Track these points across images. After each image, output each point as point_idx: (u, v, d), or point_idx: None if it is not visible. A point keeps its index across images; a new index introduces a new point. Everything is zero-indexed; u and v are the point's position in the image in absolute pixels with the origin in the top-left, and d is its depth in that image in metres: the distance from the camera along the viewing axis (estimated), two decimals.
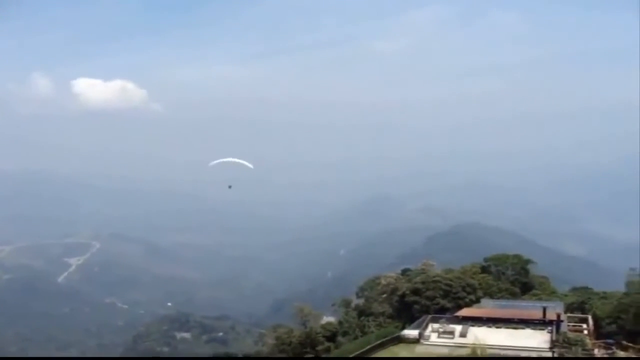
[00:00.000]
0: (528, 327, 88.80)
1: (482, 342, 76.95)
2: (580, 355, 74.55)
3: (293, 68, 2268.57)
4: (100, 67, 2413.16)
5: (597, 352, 78.04)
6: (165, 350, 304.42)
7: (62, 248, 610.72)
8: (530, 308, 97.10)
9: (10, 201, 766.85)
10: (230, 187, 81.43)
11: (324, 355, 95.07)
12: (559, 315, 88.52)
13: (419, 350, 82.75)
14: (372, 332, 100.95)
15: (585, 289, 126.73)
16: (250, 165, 79.91)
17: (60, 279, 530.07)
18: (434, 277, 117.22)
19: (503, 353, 74.38)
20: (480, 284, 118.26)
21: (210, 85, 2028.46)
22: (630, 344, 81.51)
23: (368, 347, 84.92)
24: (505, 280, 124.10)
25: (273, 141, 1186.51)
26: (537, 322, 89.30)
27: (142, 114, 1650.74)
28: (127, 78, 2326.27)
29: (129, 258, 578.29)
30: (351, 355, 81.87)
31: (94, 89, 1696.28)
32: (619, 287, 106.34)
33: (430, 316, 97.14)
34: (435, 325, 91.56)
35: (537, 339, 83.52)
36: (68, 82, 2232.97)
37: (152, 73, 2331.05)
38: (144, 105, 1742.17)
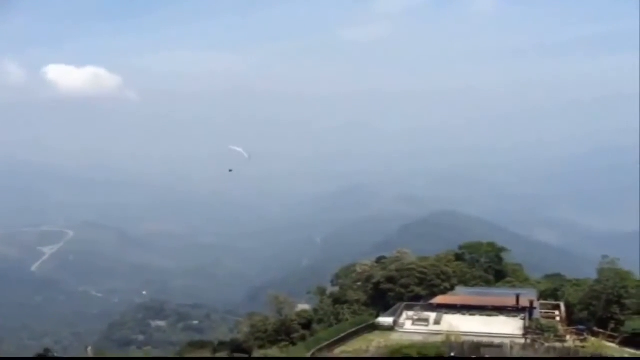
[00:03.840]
0: (502, 314, 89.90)
1: (456, 329, 77.73)
2: (552, 341, 75.43)
3: (272, 57, 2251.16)
4: (73, 52, 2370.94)
5: (568, 338, 78.96)
6: (140, 339, 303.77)
7: (35, 236, 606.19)
8: (503, 295, 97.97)
9: None
10: (230, 170, 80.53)
11: (299, 343, 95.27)
12: (532, 302, 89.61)
13: (394, 337, 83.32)
14: (347, 319, 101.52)
15: (558, 276, 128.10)
16: (246, 155, 79.98)
17: (34, 267, 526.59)
18: (408, 265, 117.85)
19: (477, 340, 75.02)
20: (454, 271, 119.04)
21: (185, 73, 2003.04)
22: (601, 330, 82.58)
23: (343, 334, 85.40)
24: (479, 268, 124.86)
25: (246, 132, 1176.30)
26: (510, 309, 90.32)
27: (116, 101, 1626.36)
28: (100, 64, 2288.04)
29: (103, 247, 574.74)
30: (326, 343, 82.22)
31: (66, 76, 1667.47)
32: (591, 275, 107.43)
33: (404, 304, 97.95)
34: (410, 313, 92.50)
35: (510, 326, 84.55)
36: (39, 68, 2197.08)
37: (127, 59, 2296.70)
38: (118, 92, 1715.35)
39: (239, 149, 79.16)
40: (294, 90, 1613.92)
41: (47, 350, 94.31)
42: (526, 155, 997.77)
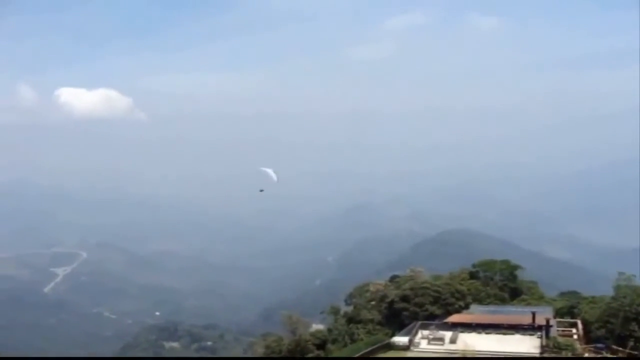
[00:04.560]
0: (517, 332, 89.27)
1: (472, 348, 77.26)
2: None
3: (280, 77, 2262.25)
4: (85, 74, 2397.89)
5: (587, 356, 78.40)
6: None
7: (48, 258, 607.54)
8: (519, 313, 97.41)
9: None
10: (262, 190, 79.00)
11: None
12: (548, 320, 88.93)
13: (409, 357, 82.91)
14: (362, 339, 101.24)
15: (574, 293, 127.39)
16: (275, 177, 78.82)
17: (47, 289, 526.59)
18: (422, 283, 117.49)
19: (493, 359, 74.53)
20: (469, 290, 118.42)
21: (193, 95, 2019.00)
22: (619, 348, 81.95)
23: (358, 354, 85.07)
24: (493, 285, 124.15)
25: (255, 153, 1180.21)
26: (526, 327, 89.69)
27: (127, 123, 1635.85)
28: (112, 86, 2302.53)
29: (115, 267, 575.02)
30: None
31: (77, 98, 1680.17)
32: (606, 292, 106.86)
33: (419, 323, 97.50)
34: (425, 332, 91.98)
35: (526, 344, 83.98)
36: (51, 90, 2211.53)
37: (137, 80, 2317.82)
38: (128, 114, 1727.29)
39: (269, 171, 77.95)
40: (301, 110, 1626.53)
41: None
42: (535, 172, 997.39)
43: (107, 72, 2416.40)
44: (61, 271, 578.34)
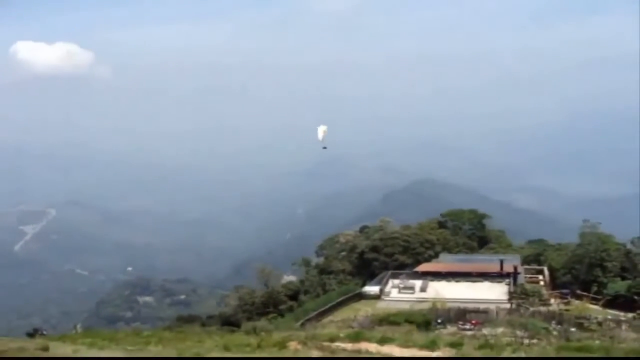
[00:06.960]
0: (486, 280, 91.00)
1: (442, 296, 78.61)
2: (537, 305, 76.53)
3: (243, 27, 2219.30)
4: (42, 28, 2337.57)
5: (553, 302, 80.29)
6: (128, 315, 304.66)
7: (16, 216, 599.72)
8: (487, 261, 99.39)
9: None
10: (325, 148, 76.21)
11: (287, 314, 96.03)
12: (515, 268, 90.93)
13: (380, 306, 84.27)
14: (334, 289, 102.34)
15: (541, 241, 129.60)
16: (320, 137, 76.52)
17: (17, 247, 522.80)
18: (392, 233, 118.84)
19: (463, 306, 75.98)
20: (438, 239, 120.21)
21: (155, 47, 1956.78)
22: (584, 293, 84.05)
23: (330, 304, 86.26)
24: (462, 235, 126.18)
25: (220, 107, 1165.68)
26: (494, 274, 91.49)
27: (89, 78, 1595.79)
28: (72, 39, 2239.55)
29: (85, 225, 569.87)
30: (314, 313, 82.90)
31: (36, 53, 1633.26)
32: (572, 240, 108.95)
33: (390, 272, 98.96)
34: (396, 281, 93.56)
35: (495, 291, 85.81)
36: (7, 45, 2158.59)
37: (98, 34, 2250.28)
38: (91, 68, 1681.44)
39: (322, 128, 75.42)
40: (264, 62, 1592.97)
41: (36, 329, 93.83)
42: (503, 123, 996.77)
43: (64, 26, 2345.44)
44: (30, 229, 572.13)
